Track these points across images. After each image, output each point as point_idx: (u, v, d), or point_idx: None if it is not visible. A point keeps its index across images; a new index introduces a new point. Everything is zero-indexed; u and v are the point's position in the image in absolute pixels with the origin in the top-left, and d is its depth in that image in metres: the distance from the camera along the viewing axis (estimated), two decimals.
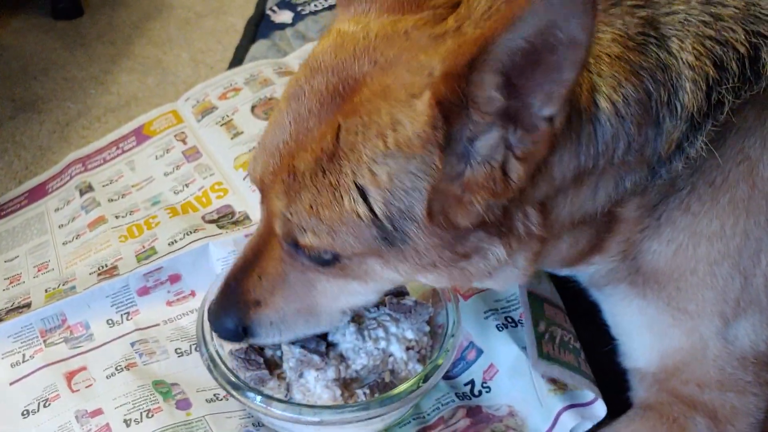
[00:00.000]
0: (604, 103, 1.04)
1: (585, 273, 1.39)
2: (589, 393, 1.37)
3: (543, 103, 0.93)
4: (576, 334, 1.49)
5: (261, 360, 1.34)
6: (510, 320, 1.47)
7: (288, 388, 1.32)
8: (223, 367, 1.29)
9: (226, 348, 1.33)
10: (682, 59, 1.06)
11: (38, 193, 1.97)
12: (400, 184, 1.00)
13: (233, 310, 1.21)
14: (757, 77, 1.09)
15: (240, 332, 1.23)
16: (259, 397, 1.26)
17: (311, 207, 1.04)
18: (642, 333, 1.34)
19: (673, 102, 1.07)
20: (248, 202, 1.74)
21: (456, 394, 1.43)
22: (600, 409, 1.36)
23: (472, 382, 1.45)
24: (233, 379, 1.28)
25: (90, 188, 1.89)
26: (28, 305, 1.55)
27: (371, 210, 1.02)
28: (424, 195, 1.01)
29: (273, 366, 1.34)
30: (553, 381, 1.38)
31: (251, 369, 1.32)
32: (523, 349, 1.41)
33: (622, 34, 1.04)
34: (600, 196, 1.14)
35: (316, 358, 1.32)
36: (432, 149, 0.97)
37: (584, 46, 0.86)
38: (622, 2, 1.06)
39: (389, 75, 1.01)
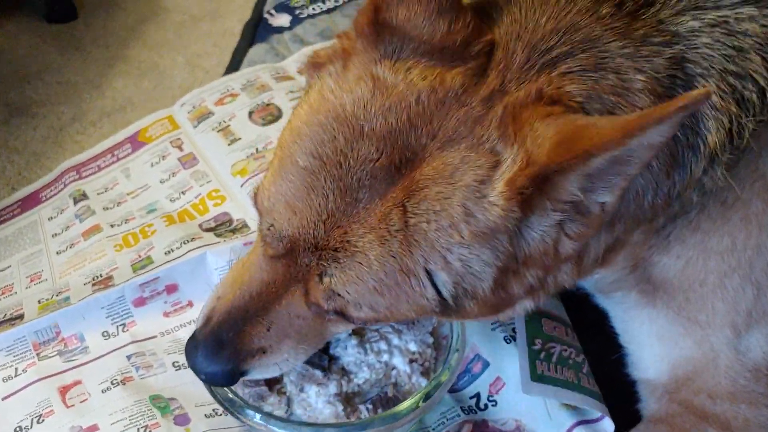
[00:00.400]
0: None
1: (590, 280, 1.38)
2: (594, 412, 1.34)
3: (603, 191, 0.97)
4: (580, 347, 1.46)
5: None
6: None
7: (288, 404, 1.28)
8: None
9: None
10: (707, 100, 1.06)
11: (31, 201, 1.93)
12: (471, 269, 1.01)
13: (230, 359, 1.14)
14: None
15: (236, 378, 1.18)
16: (258, 415, 1.22)
17: (375, 288, 1.02)
18: (652, 342, 1.32)
19: (697, 143, 1.08)
20: (246, 209, 1.70)
21: (461, 408, 1.40)
22: (608, 427, 1.34)
23: (477, 395, 1.42)
24: (231, 395, 1.24)
25: (84, 196, 1.85)
26: (20, 317, 1.52)
27: (438, 292, 1.03)
28: (491, 276, 1.03)
29: (272, 381, 1.30)
30: None
31: (250, 385, 1.29)
32: None
33: (652, 78, 1.03)
34: (618, 232, 1.15)
35: (318, 373, 1.29)
36: (503, 237, 0.99)
37: (657, 150, 0.91)
38: (651, 41, 1.04)
39: (451, 152, 0.98)
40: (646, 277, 1.27)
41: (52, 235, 1.77)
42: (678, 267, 1.23)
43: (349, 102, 1.01)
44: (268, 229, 1.06)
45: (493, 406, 1.40)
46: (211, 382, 1.20)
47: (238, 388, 1.27)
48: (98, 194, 1.86)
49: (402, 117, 0.99)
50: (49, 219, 1.84)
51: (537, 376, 1.33)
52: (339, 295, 1.04)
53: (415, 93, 0.99)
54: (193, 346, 1.16)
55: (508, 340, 1.42)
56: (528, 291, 1.08)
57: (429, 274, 1.01)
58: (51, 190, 1.94)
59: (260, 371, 1.18)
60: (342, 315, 1.09)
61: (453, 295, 1.04)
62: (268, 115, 1.93)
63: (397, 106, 0.99)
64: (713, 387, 1.27)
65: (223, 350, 1.13)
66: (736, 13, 1.06)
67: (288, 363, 1.19)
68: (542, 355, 1.37)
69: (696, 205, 1.18)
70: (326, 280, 1.04)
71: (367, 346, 1.32)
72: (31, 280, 1.65)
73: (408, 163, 0.99)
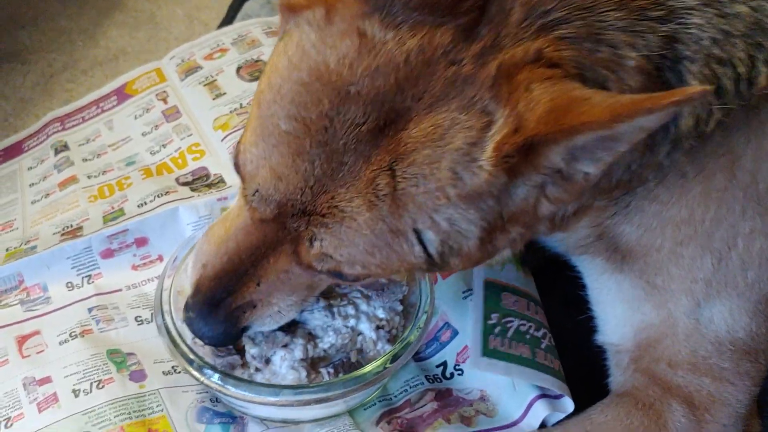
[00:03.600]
0: None
1: (557, 242, 1.37)
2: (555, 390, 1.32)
3: (589, 164, 0.97)
4: (541, 322, 1.43)
5: (231, 346, 1.29)
6: None
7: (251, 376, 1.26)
8: (179, 339, 1.23)
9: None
10: (688, 84, 1.03)
11: (14, 151, 1.91)
12: (457, 227, 1.01)
13: (226, 318, 1.15)
14: (749, 86, 1.06)
15: (237, 336, 1.20)
16: (216, 375, 1.21)
17: (366, 250, 1.03)
18: (616, 305, 1.32)
19: (670, 127, 1.06)
20: (224, 164, 1.68)
21: (426, 376, 1.38)
22: (568, 405, 1.32)
23: (444, 364, 1.40)
24: (191, 355, 1.23)
25: (65, 147, 1.83)
26: None
27: (426, 250, 1.03)
28: (476, 235, 1.03)
29: (243, 351, 1.28)
30: None
31: (221, 355, 1.27)
32: None
33: (645, 58, 1.00)
34: (584, 199, 1.15)
35: (280, 334, 1.26)
36: (489, 199, 0.99)
37: (648, 132, 0.90)
38: (648, 14, 1.00)
39: (439, 113, 0.96)
40: (613, 245, 1.26)
41: (30, 185, 1.75)
42: (638, 234, 1.22)
43: (334, 60, 0.97)
44: (254, 195, 1.05)
45: (459, 375, 1.38)
46: (214, 343, 1.22)
47: (209, 358, 1.25)
48: (79, 145, 1.83)
49: (390, 80, 0.95)
50: (28, 169, 1.81)
51: (488, 351, 1.32)
52: (331, 257, 1.04)
53: (404, 53, 0.95)
54: (188, 316, 1.18)
55: None
56: (510, 243, 1.10)
57: (417, 233, 1.01)
58: (34, 141, 1.92)
59: (260, 324, 1.19)
60: (335, 274, 1.09)
61: (439, 252, 1.04)
62: (256, 71, 1.89)
63: (386, 67, 0.95)
64: (673, 355, 1.26)
65: (218, 311, 1.14)
66: None
67: (281, 315, 1.19)
68: (497, 329, 1.36)
69: (655, 177, 1.16)
70: (317, 244, 1.04)
71: (335, 310, 1.30)
72: (3, 228, 1.63)
73: (391, 123, 0.96)
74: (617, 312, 1.32)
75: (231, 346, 1.28)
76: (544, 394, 1.31)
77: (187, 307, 1.18)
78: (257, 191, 1.04)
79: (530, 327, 1.39)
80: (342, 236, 1.02)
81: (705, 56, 1.02)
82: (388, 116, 0.96)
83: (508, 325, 1.37)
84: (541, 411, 1.30)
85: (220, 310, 1.14)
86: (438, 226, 1.00)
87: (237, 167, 1.08)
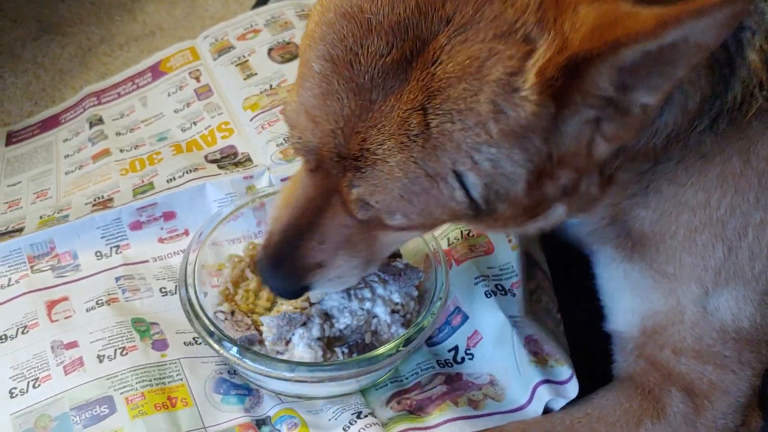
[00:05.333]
0: (677, 96, 1.03)
1: (570, 228, 1.37)
2: (565, 370, 1.35)
3: (645, 92, 0.91)
4: (558, 308, 1.47)
5: (249, 321, 1.34)
6: (500, 288, 1.44)
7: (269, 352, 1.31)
8: (200, 312, 1.28)
9: (209, 302, 1.34)
10: (746, 58, 1.02)
11: (51, 123, 1.98)
12: (502, 170, 0.96)
13: (290, 275, 1.16)
14: None
15: (300, 292, 1.22)
16: (235, 348, 1.25)
17: (402, 196, 0.98)
18: (624, 295, 1.32)
19: (714, 100, 1.05)
20: (252, 143, 1.72)
21: (437, 361, 1.42)
22: (572, 389, 1.34)
23: (455, 349, 1.43)
24: (212, 327, 1.27)
25: (100, 121, 1.89)
26: (21, 230, 1.55)
27: (468, 194, 0.98)
28: (524, 177, 0.97)
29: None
30: (533, 353, 1.36)
31: (240, 330, 1.32)
32: (510, 317, 1.39)
33: None
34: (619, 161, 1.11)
35: (296, 315, 1.31)
36: (536, 136, 0.94)
37: (708, 51, 0.85)
38: None
39: (474, 42, 0.90)
40: (625, 231, 1.25)
41: (65, 156, 1.81)
42: (653, 219, 1.21)
43: None
44: (298, 142, 1.03)
45: (469, 359, 1.41)
46: (280, 295, 1.27)
47: (229, 332, 1.30)
48: (114, 120, 1.89)
49: (410, 4, 0.92)
50: (64, 141, 1.88)
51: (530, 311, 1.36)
52: (368, 204, 1.02)
53: None
54: (259, 265, 1.20)
55: (488, 295, 1.42)
56: (562, 193, 1.04)
57: (458, 175, 0.96)
58: (71, 114, 1.98)
59: (322, 285, 1.20)
60: (380, 224, 1.06)
61: (485, 198, 0.99)
62: (287, 53, 1.94)
63: None
64: (678, 342, 1.27)
65: (282, 267, 1.16)
66: None
67: (346, 277, 1.20)
68: (534, 297, 1.40)
69: (676, 155, 1.15)
70: (354, 191, 1.01)
71: (351, 292, 1.33)
72: (38, 197, 1.69)
73: (418, 54, 0.92)
74: (626, 301, 1.32)
75: (250, 323, 1.33)
76: (548, 380, 1.34)
77: (259, 256, 1.20)
78: (300, 138, 1.02)
79: (553, 308, 1.43)
80: (375, 181, 0.98)
81: (766, 30, 1.00)
82: (414, 44, 0.92)
83: (541, 297, 1.41)
84: (544, 395, 1.32)
85: (283, 267, 1.15)
86: (479, 167, 0.95)
87: (285, 119, 1.05)
